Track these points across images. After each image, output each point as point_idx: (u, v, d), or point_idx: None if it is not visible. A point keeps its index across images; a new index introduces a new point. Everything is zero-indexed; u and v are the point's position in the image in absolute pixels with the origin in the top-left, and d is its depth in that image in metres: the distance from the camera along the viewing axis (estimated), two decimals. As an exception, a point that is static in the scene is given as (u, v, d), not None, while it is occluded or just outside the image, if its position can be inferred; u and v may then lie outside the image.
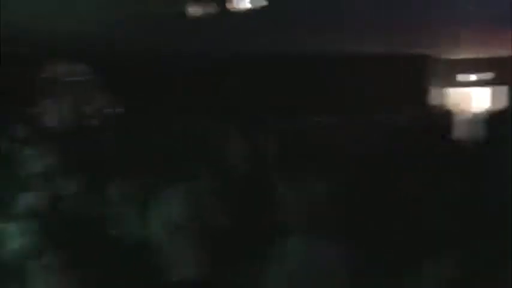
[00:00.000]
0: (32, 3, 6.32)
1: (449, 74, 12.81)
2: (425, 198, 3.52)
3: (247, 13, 6.28)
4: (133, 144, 6.85)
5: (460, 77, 13.15)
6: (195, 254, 1.99)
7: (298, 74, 9.98)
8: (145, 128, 7.87)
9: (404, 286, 2.89)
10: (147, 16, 6.43)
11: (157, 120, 8.10)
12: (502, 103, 10.70)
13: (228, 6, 6.17)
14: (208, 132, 6.72)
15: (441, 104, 10.72)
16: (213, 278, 2.00)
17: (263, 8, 6.32)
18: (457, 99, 12.63)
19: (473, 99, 13.28)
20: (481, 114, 5.91)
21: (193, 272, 1.96)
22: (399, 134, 4.95)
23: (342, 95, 10.22)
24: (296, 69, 9.89)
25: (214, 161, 5.21)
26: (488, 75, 12.94)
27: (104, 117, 8.68)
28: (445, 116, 5.24)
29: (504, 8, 6.44)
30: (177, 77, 9.48)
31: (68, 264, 4.79)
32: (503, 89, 12.17)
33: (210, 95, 9.27)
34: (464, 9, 6.67)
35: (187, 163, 5.50)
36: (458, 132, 5.41)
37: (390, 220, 3.63)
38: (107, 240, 4.57)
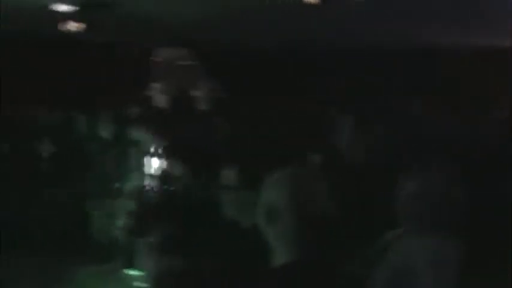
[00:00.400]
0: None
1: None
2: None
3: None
4: (241, 130, 6.92)
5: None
6: (301, 240, 1.96)
7: (412, 65, 9.59)
8: (253, 113, 7.92)
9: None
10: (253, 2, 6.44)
11: (266, 106, 8.12)
12: None
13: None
14: (318, 119, 6.68)
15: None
16: (318, 265, 1.98)
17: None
18: None
19: None
20: None
21: (299, 259, 1.93)
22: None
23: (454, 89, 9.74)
24: (409, 60, 9.52)
25: (325, 148, 5.17)
26: None
27: (212, 102, 8.83)
28: None
29: None
30: (285, 62, 9.44)
31: (173, 244, 4.93)
32: None
33: (322, 83, 9.17)
34: None
35: (297, 148, 5.50)
36: None
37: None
38: (213, 223, 4.64)
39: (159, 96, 9.16)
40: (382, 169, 4.46)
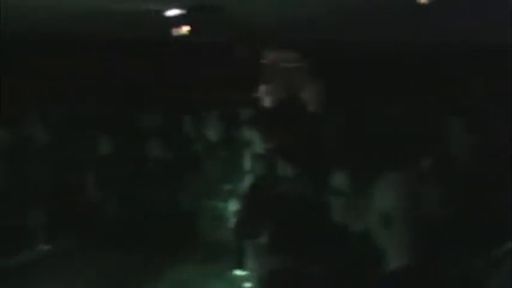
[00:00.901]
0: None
1: None
2: None
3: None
4: (350, 132, 6.75)
5: None
6: (412, 244, 1.90)
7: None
8: (362, 115, 7.71)
9: None
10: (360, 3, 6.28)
11: (375, 109, 7.89)
12: None
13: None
14: (429, 122, 6.41)
15: None
16: (431, 269, 1.91)
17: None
18: None
19: None
20: None
21: (409, 262, 1.87)
22: None
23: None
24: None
25: (438, 151, 4.96)
26: None
27: (320, 104, 8.72)
28: None
29: None
30: (396, 63, 9.13)
31: (281, 246, 4.88)
32: None
33: (433, 84, 8.80)
34: None
35: (408, 152, 5.30)
36: None
37: None
38: (322, 225, 4.53)
39: (267, 97, 9.19)
40: (494, 172, 4.23)
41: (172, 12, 6.29)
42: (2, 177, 6.16)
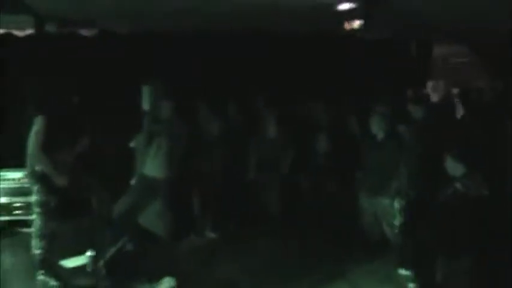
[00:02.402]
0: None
1: None
2: None
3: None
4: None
5: None
6: None
7: None
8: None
9: None
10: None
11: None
12: None
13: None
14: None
15: None
16: None
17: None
18: None
19: None
20: None
21: None
22: None
23: None
24: None
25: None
26: None
27: (492, 100, 8.23)
28: None
29: None
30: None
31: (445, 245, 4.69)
32: None
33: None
34: None
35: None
36: None
37: None
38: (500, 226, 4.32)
39: (436, 93, 8.88)
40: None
41: (345, 5, 6.27)
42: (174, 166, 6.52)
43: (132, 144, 6.49)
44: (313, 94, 7.67)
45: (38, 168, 5.15)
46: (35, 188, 5.28)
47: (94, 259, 5.38)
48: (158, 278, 5.19)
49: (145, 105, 6.38)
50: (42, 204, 5.30)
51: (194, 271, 5.66)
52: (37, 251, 5.40)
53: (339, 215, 6.63)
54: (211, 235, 6.88)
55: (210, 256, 6.18)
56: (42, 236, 5.37)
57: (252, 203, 7.03)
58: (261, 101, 7.52)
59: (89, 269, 5.39)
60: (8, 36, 7.43)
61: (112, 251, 5.40)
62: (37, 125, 5.10)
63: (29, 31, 7.32)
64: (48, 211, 5.33)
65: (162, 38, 7.77)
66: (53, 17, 7.31)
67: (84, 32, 7.74)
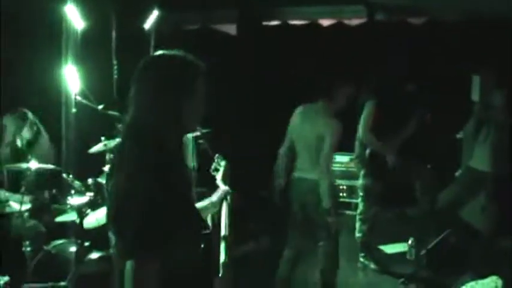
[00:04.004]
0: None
1: None
2: None
3: None
4: None
5: None
6: None
7: None
8: None
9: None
10: None
11: None
12: None
13: None
14: None
15: None
16: None
17: None
18: None
19: None
20: None
21: None
22: None
23: None
24: None
25: None
26: None
27: None
28: None
29: None
30: None
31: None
32: None
33: None
34: None
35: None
36: None
37: None
38: None
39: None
40: None
41: None
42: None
43: (459, 135, 6.29)
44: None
45: (367, 151, 5.32)
46: (362, 172, 5.46)
47: (415, 248, 5.36)
48: (481, 275, 4.94)
49: (475, 96, 6.10)
50: (366, 189, 5.46)
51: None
52: (358, 234, 5.60)
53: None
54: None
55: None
56: (364, 220, 5.55)
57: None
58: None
59: (409, 257, 5.40)
60: (340, 25, 7.79)
61: (435, 241, 5.30)
62: (367, 109, 5.28)
63: (361, 20, 7.60)
64: (372, 196, 5.48)
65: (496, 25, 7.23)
66: (383, 6, 7.45)
67: (413, 20, 7.70)
